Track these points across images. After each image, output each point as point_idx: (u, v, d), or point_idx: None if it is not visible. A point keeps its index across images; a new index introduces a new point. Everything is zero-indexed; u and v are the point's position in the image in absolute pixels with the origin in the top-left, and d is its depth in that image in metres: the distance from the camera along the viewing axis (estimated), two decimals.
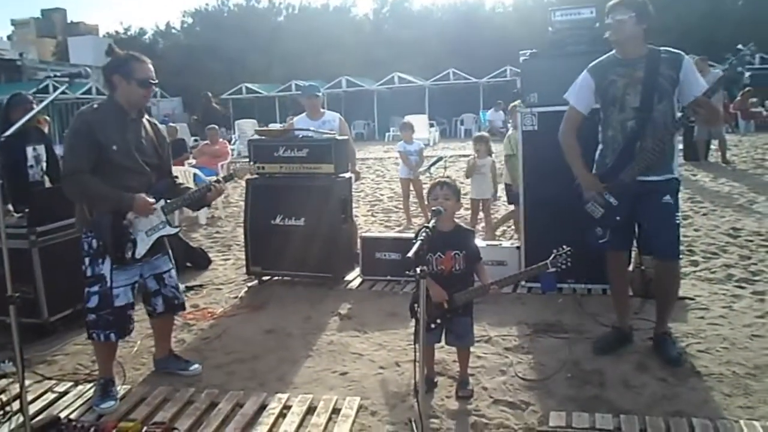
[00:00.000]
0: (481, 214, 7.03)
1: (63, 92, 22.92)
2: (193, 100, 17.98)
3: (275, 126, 19.32)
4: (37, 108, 3.24)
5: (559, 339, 3.98)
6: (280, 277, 5.49)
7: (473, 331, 3.33)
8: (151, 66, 3.36)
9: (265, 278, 5.50)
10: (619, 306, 3.92)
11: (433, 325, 3.19)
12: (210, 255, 6.49)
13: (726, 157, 12.21)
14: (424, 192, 7.96)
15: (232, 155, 12.96)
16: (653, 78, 3.43)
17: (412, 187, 7.90)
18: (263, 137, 5.51)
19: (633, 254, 4.48)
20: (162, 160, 3.53)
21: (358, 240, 5.62)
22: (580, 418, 2.98)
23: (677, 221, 3.59)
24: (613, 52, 3.64)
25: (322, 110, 6.12)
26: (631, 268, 4.46)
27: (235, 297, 5.18)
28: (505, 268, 4.80)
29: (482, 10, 35.56)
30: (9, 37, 49.90)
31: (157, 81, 3.42)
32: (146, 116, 3.53)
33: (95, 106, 3.36)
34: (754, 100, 18.56)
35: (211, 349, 4.10)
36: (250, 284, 5.48)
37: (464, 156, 11.22)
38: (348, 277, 5.41)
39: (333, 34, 33.72)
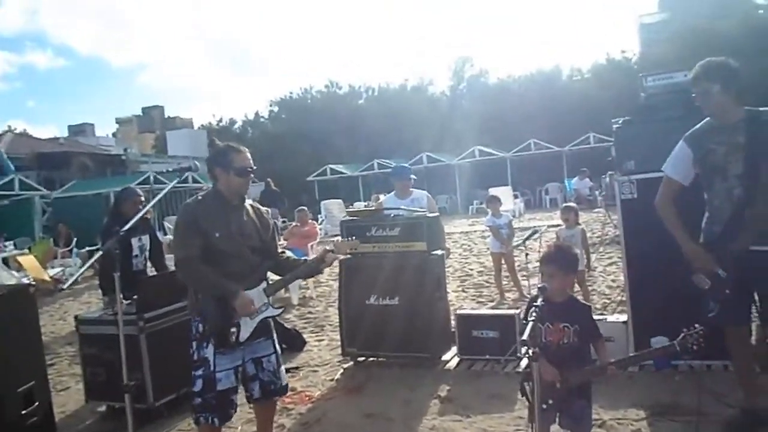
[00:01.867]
0: (576, 287, 6.77)
1: (162, 182, 24.53)
2: (283, 184, 18.86)
3: (360, 204, 19.78)
4: (150, 203, 3.42)
5: (680, 422, 3.66)
6: (375, 358, 5.42)
7: (591, 415, 3.11)
8: (248, 155, 3.50)
9: (360, 359, 5.44)
10: (745, 385, 3.58)
11: (544, 405, 3.00)
12: (304, 336, 6.53)
13: None
14: (516, 265, 7.83)
15: (321, 235, 13.24)
16: (756, 143, 3.26)
17: (503, 261, 7.75)
18: (355, 218, 5.59)
19: (755, 326, 4.13)
20: (265, 242, 3.60)
21: (453, 317, 5.50)
22: None
23: None
24: (709, 119, 3.50)
25: (411, 189, 6.18)
26: (753, 340, 4.10)
27: (332, 379, 5.14)
28: (612, 345, 4.51)
29: (559, 78, 35.68)
30: (114, 134, 54.48)
31: (255, 168, 3.54)
32: (249, 201, 3.65)
33: (199, 197, 3.53)
34: None
35: None
36: (345, 366, 5.43)
37: (556, 226, 10.95)
38: (445, 357, 5.26)
39: (412, 112, 34.66)
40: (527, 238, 6.56)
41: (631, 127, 4.66)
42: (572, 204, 7.26)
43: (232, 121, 46.24)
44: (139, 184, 23.03)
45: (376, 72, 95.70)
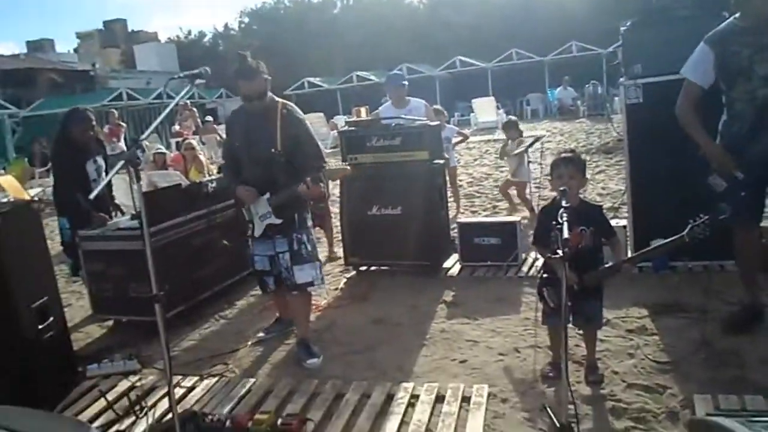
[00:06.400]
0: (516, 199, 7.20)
1: (134, 98, 23.76)
2: None
3: (340, 118, 19.44)
4: (162, 113, 3.26)
5: (682, 319, 3.81)
6: (378, 267, 5.49)
7: (602, 313, 3.22)
8: (253, 84, 3.60)
9: (362, 268, 5.50)
10: (749, 282, 3.69)
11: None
12: None
13: None
14: (457, 179, 7.80)
15: None
16: None
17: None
18: (354, 128, 5.49)
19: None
20: (280, 151, 3.66)
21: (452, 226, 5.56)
22: (728, 401, 2.82)
23: None
24: (732, 20, 3.41)
25: (407, 98, 6.07)
26: None
27: (336, 288, 5.21)
28: None
29: None
30: (75, 50, 52.00)
31: (261, 92, 3.63)
32: (287, 108, 3.76)
33: (237, 108, 3.92)
34: None
35: (323, 341, 4.13)
36: (348, 275, 5.50)
37: (541, 138, 10.87)
38: (447, 264, 5.35)
39: (389, 22, 33.66)
40: (529, 146, 6.52)
41: (640, 29, 4.54)
42: (513, 117, 7.40)
43: (201, 34, 44.55)
44: (111, 100, 22.37)
45: None
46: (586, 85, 20.05)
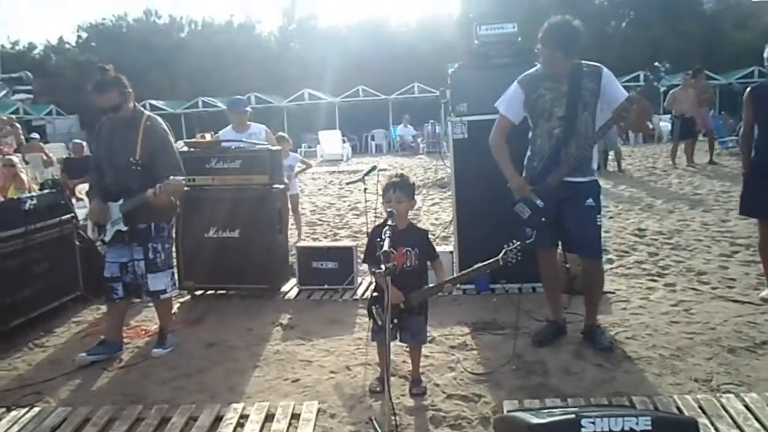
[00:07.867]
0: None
1: None
2: (92, 119, 17.12)
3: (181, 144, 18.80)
4: None
5: (498, 335, 4.17)
6: (214, 291, 5.38)
7: (426, 329, 3.43)
8: (105, 98, 3.82)
9: (198, 292, 5.36)
10: (552, 301, 4.14)
11: (390, 325, 3.25)
12: None
13: (621, 166, 13.13)
14: (300, 207, 7.98)
15: None
16: (577, 91, 3.69)
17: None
18: (194, 149, 5.39)
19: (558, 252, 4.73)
20: (144, 161, 3.84)
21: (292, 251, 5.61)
22: (532, 404, 3.14)
23: (599, 223, 3.84)
24: (540, 65, 3.87)
25: (248, 123, 6.09)
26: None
27: None
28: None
29: (387, 28, 36.32)
30: None
31: (114, 107, 3.83)
32: (149, 121, 3.94)
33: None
34: None
35: (152, 366, 3.97)
36: (182, 299, 5.33)
37: (384, 170, 11.36)
38: (284, 288, 5.38)
39: (238, 51, 33.39)
40: (366, 174, 6.73)
41: (465, 71, 4.98)
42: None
43: (32, 46, 41.02)
44: None
45: (199, 5, 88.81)
46: (426, 124, 21.23)
